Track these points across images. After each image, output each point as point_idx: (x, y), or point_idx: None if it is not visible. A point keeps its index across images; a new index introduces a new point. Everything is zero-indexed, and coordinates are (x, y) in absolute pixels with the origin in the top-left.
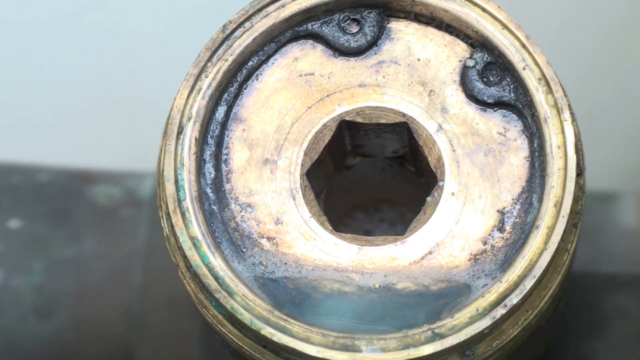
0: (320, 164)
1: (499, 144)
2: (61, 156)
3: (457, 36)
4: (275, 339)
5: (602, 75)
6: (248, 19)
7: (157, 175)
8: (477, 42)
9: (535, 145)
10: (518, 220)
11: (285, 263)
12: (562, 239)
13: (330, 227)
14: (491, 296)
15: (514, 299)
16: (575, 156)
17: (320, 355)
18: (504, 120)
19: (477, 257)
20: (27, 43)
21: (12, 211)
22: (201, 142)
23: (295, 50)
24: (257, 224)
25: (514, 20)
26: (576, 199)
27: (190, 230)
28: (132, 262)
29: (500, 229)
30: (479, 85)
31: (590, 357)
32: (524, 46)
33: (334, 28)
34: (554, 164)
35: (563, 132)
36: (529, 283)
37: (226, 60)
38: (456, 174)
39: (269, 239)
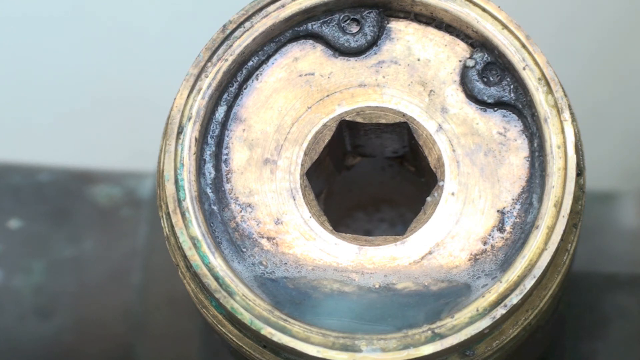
0: (320, 164)
1: (499, 144)
2: (61, 156)
3: (457, 36)
4: (275, 339)
5: (602, 75)
6: (248, 19)
7: (157, 175)
8: (477, 42)
9: (535, 145)
10: (518, 220)
11: (285, 263)
12: (562, 239)
13: (330, 227)
14: (491, 296)
15: (514, 299)
16: (575, 156)
17: (320, 355)
18: (504, 120)
19: (477, 257)
20: (27, 43)
21: (12, 211)
22: (201, 142)
23: (295, 50)
24: (257, 224)
25: (514, 20)
26: (576, 199)
27: (190, 230)
28: (132, 262)
29: (500, 229)
30: (479, 85)
31: (590, 357)
32: (524, 46)
33: (334, 28)
34: (554, 164)
35: (563, 132)
36: (529, 283)
37: (226, 60)
38: (456, 174)
39: (269, 239)
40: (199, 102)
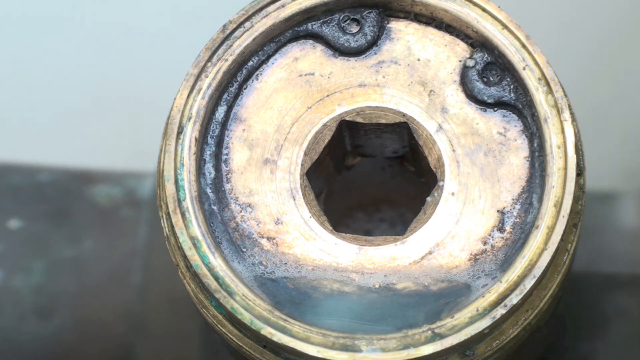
0: (320, 164)
1: (499, 144)
2: (61, 156)
3: (457, 36)
4: (275, 339)
5: (602, 75)
6: (248, 19)
7: (157, 175)
8: (477, 42)
9: (535, 145)
10: (518, 220)
11: (285, 263)
12: (562, 239)
13: (330, 227)
14: (491, 296)
15: (514, 299)
16: (575, 156)
17: (320, 355)
18: (504, 120)
19: (477, 257)
20: (27, 43)
21: (12, 211)
22: (201, 142)
23: (295, 50)
24: (257, 224)
25: (514, 20)
26: (576, 199)
27: (190, 230)
28: (132, 262)
29: (500, 229)
30: (479, 85)
31: (590, 357)
32: (524, 46)
33: (334, 28)
34: (554, 164)
35: (563, 132)
36: (529, 283)
37: (226, 60)
38: (456, 174)
39: (269, 239)
40: (199, 102)
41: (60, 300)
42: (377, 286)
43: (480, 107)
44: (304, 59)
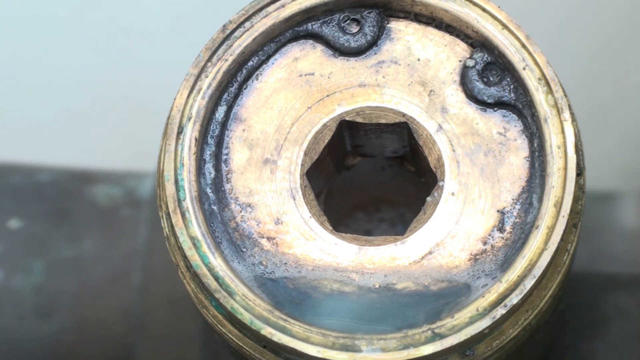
0: (320, 164)
1: (499, 144)
2: (61, 156)
3: (457, 36)
4: (275, 339)
5: (602, 75)
6: (248, 19)
7: (157, 175)
8: (477, 42)
9: (535, 145)
10: (518, 220)
11: (285, 263)
12: (562, 239)
13: (330, 227)
14: (491, 296)
15: (514, 299)
16: (575, 156)
17: (320, 355)
18: (504, 120)
19: (477, 257)
20: (27, 42)
21: (12, 211)
22: (201, 142)
23: (295, 50)
24: (257, 224)
25: (514, 20)
26: (576, 199)
27: (190, 230)
28: (132, 262)
29: (500, 229)
30: (479, 85)
31: (590, 357)
32: (524, 46)
33: (334, 28)
34: (554, 164)
35: (563, 132)
36: (529, 283)
37: (226, 60)
38: (456, 174)
39: (269, 239)
40: (199, 102)
41: (60, 300)
42: (377, 286)
43: (480, 107)
44: (304, 59)
